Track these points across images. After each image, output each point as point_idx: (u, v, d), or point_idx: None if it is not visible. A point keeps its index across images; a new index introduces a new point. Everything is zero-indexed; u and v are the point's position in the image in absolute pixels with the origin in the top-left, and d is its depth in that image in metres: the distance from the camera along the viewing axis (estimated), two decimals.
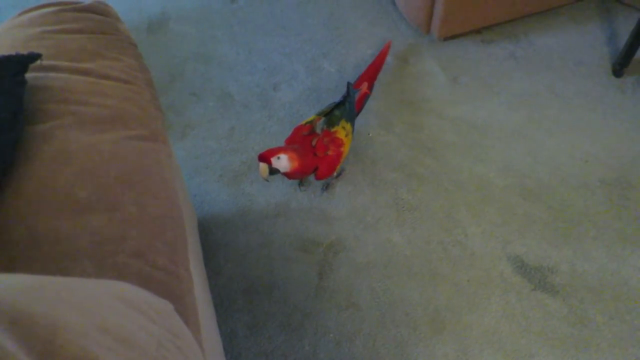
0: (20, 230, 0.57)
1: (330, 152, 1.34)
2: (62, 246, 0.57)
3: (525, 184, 1.43)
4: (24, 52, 0.71)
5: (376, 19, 1.91)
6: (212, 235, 1.37)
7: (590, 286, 1.24)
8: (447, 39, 1.80)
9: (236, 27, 1.92)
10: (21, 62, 0.67)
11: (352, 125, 1.42)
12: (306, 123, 1.40)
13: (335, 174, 1.43)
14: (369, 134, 1.56)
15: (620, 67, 1.65)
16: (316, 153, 1.33)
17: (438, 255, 1.31)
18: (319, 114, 1.42)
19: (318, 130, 1.39)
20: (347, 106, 1.42)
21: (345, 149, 1.38)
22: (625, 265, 1.27)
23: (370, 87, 1.55)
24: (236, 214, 1.41)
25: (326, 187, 1.44)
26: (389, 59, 1.76)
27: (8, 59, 0.66)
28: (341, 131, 1.37)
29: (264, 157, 1.25)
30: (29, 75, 0.70)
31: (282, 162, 1.26)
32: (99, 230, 0.57)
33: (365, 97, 1.54)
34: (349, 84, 1.46)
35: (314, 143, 1.34)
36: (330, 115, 1.41)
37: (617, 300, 1.21)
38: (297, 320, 1.21)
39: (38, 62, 0.70)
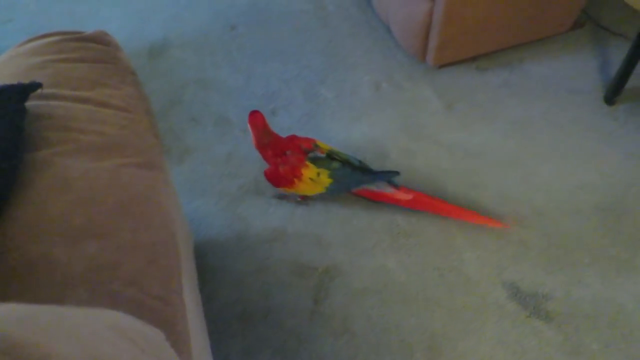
0: (15, 257, 0.58)
1: (282, 168, 1.35)
2: (57, 273, 0.58)
3: (519, 210, 1.44)
4: (25, 81, 0.73)
5: (373, 47, 1.95)
6: (208, 260, 1.37)
7: (585, 313, 1.24)
8: (442, 66, 1.84)
9: (235, 53, 1.95)
10: (22, 91, 0.68)
11: (335, 184, 1.37)
12: (315, 144, 1.39)
13: (293, 195, 1.45)
14: (364, 159, 1.57)
15: (612, 96, 1.68)
16: (278, 158, 1.36)
17: (434, 281, 1.31)
18: (331, 152, 1.39)
19: (313, 153, 1.38)
20: (351, 171, 1.37)
21: (302, 187, 1.37)
22: (620, 291, 1.27)
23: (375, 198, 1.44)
24: (232, 238, 1.42)
25: (279, 196, 1.48)
26: (385, 84, 1.79)
27: (9, 88, 0.67)
28: (311, 171, 1.35)
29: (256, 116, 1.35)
30: (30, 104, 0.72)
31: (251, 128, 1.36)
32: (94, 257, 0.58)
33: (388, 198, 1.43)
34: (391, 174, 1.41)
35: (288, 152, 1.36)
36: (328, 157, 1.37)
37: (613, 327, 1.21)
38: (292, 346, 1.21)
39: (39, 90, 0.72)
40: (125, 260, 0.59)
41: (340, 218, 1.44)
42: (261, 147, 1.38)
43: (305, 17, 2.10)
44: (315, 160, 1.36)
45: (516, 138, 1.62)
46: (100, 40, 0.88)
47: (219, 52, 1.97)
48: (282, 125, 1.68)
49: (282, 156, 1.37)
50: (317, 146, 1.39)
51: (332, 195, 1.45)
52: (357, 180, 1.39)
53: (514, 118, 1.68)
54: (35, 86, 0.70)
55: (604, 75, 1.80)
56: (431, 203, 1.42)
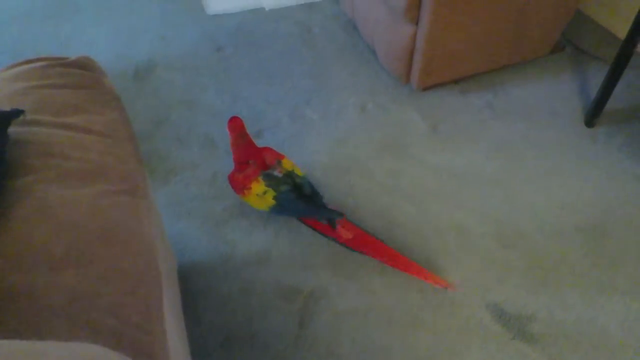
0: None
1: (237, 175, 1.40)
2: (36, 303, 0.57)
3: (503, 231, 1.46)
4: (7, 108, 0.73)
5: (358, 69, 1.97)
6: (192, 283, 1.36)
7: (568, 334, 1.25)
8: (426, 88, 1.86)
9: (222, 75, 1.96)
10: (4, 119, 0.68)
11: (277, 207, 1.37)
12: (279, 162, 1.41)
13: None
14: (349, 182, 1.58)
15: (591, 118, 1.72)
16: (242, 164, 1.41)
17: (418, 303, 1.31)
18: (290, 173, 1.39)
19: (271, 170, 1.39)
20: (295, 198, 1.36)
21: (250, 200, 1.40)
22: (603, 312, 1.28)
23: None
24: (217, 261, 1.41)
25: None
26: (370, 106, 1.81)
27: None
28: (259, 188, 1.37)
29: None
30: (11, 130, 0.71)
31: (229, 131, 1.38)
32: (74, 287, 0.57)
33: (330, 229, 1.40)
34: (334, 214, 1.39)
35: (250, 162, 1.40)
36: (284, 178, 1.38)
37: (596, 349, 1.22)
38: None
39: (21, 117, 0.72)
40: (106, 289, 0.58)
41: (325, 240, 1.44)
42: (234, 150, 1.41)
43: (292, 40, 2.12)
44: (268, 178, 1.37)
45: (499, 159, 1.64)
46: (84, 65, 0.89)
47: (205, 73, 1.98)
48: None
49: (245, 164, 1.40)
50: (279, 164, 1.40)
51: (276, 215, 1.46)
52: (299, 210, 1.39)
53: (497, 139, 1.71)
54: (17, 113, 0.70)
55: (583, 97, 1.84)
56: (371, 246, 1.38)
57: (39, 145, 0.72)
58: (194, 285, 1.35)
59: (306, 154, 1.66)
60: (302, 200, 1.37)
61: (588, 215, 1.49)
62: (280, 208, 1.38)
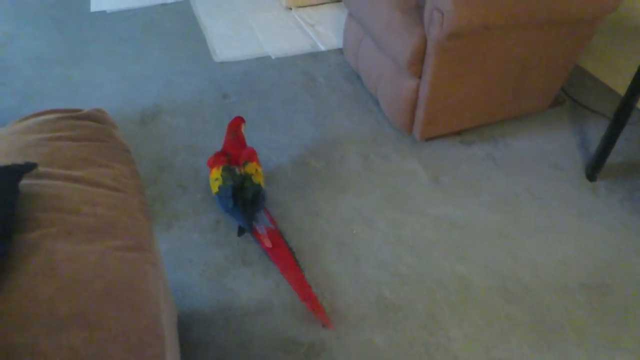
0: None
1: (210, 157, 1.60)
2: None
3: (506, 285, 1.45)
4: (21, 161, 0.74)
5: (361, 118, 2.01)
6: (192, 333, 1.34)
7: None
8: (428, 139, 1.89)
9: (227, 121, 1.99)
10: (17, 172, 0.69)
11: (217, 196, 1.54)
12: (246, 163, 1.58)
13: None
14: (353, 231, 1.58)
15: (593, 172, 1.73)
16: (222, 153, 1.61)
17: (421, 359, 1.29)
18: (246, 176, 1.55)
19: (235, 167, 1.57)
20: (230, 195, 1.50)
21: (210, 179, 1.58)
22: None
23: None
24: (217, 310, 1.39)
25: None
26: (372, 156, 1.83)
27: (4, 169, 0.68)
28: (215, 174, 1.55)
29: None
30: (22, 182, 0.72)
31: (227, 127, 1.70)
32: (78, 349, 0.56)
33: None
34: (242, 227, 1.53)
35: (228, 154, 1.61)
36: (239, 178, 1.54)
37: None
38: None
39: (33, 171, 0.73)
40: (110, 351, 0.58)
41: (327, 290, 1.43)
42: (224, 140, 1.68)
43: (296, 88, 2.17)
44: (227, 170, 1.54)
45: (501, 212, 1.65)
46: (96, 118, 0.90)
47: (210, 119, 2.01)
48: (269, 195, 1.69)
49: (224, 153, 1.61)
50: (244, 165, 1.57)
51: (217, 203, 1.62)
52: (227, 206, 1.51)
53: (498, 192, 1.72)
54: (29, 167, 0.71)
55: (584, 151, 1.87)
56: (282, 262, 1.46)
57: (48, 199, 0.72)
58: (193, 335, 1.33)
59: (310, 202, 1.67)
60: (234, 200, 1.50)
61: (591, 271, 1.48)
62: (218, 198, 1.54)
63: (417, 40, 1.59)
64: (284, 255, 1.48)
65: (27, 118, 0.87)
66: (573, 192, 1.72)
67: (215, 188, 1.54)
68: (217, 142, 1.89)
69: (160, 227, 1.60)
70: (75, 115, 0.88)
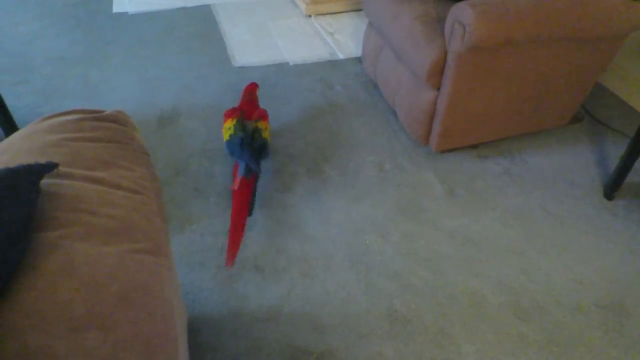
0: (13, 345, 0.56)
1: (227, 110, 1.82)
2: None
3: (519, 302, 1.43)
4: (42, 158, 0.75)
5: (377, 128, 2.00)
6: (201, 337, 1.33)
7: None
8: (444, 151, 1.88)
9: None
10: (37, 172, 0.70)
11: (227, 143, 1.74)
12: (257, 120, 1.78)
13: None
14: (365, 241, 1.57)
15: (611, 191, 1.71)
16: (238, 109, 1.82)
17: None
18: (256, 129, 1.74)
19: (247, 122, 1.76)
20: (238, 143, 1.68)
21: (223, 127, 1.80)
22: None
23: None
24: (227, 315, 1.39)
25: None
26: (388, 166, 1.82)
27: (25, 168, 0.68)
28: (229, 124, 1.76)
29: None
30: (44, 182, 0.73)
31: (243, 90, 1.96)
32: (93, 351, 0.57)
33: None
34: (249, 167, 1.66)
35: (243, 111, 1.80)
36: (249, 129, 1.73)
37: None
38: None
39: (54, 170, 0.74)
40: (124, 354, 0.58)
41: (338, 300, 1.42)
42: (241, 99, 1.91)
43: (313, 95, 2.17)
44: (239, 123, 1.73)
45: (516, 228, 1.63)
46: (117, 119, 0.91)
47: None
48: (285, 201, 1.69)
49: (240, 110, 1.80)
50: (256, 122, 1.76)
51: (226, 149, 1.82)
52: (235, 151, 1.69)
53: (514, 207, 1.70)
54: (51, 167, 0.72)
55: (602, 169, 1.84)
56: (237, 204, 1.59)
57: (69, 199, 0.73)
58: (202, 340, 1.33)
59: (323, 209, 1.66)
60: (241, 147, 1.67)
61: (607, 292, 1.46)
62: (228, 145, 1.74)
63: (438, 53, 1.58)
64: (242, 200, 1.61)
65: (49, 117, 0.88)
66: (590, 210, 1.69)
67: (226, 136, 1.75)
68: None
69: (174, 229, 1.61)
70: (97, 117, 0.89)
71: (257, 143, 1.71)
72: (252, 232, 1.60)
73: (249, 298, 1.43)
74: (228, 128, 1.75)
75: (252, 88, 1.93)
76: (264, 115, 1.80)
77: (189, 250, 1.55)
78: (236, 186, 1.62)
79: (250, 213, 1.62)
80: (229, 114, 1.79)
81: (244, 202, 1.60)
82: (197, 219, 1.64)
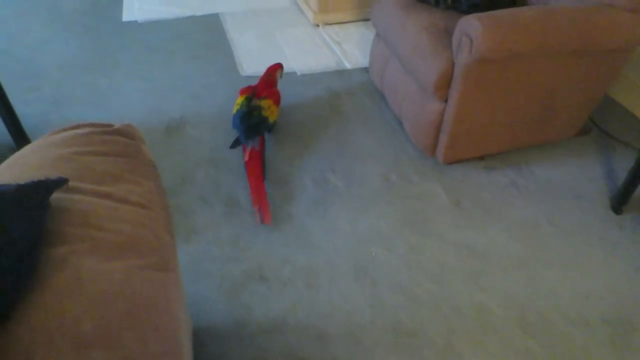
0: None
1: (243, 87, 2.00)
2: None
3: (525, 316, 1.42)
4: (51, 173, 0.76)
5: (384, 138, 2.00)
6: (206, 348, 1.34)
7: None
8: (451, 163, 1.88)
9: None
10: (48, 188, 0.70)
11: (234, 117, 1.90)
12: (264, 97, 1.93)
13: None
14: (371, 253, 1.57)
15: (619, 204, 1.70)
16: (254, 87, 2.01)
17: None
18: (258, 106, 1.88)
19: (255, 99, 1.92)
20: (240, 118, 1.85)
21: (236, 103, 1.95)
22: None
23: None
24: (232, 325, 1.39)
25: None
26: (394, 177, 1.82)
27: (35, 185, 0.69)
28: (239, 100, 1.93)
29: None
30: (53, 196, 0.73)
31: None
32: None
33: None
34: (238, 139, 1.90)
35: (256, 89, 1.98)
36: (254, 106, 1.88)
37: None
38: None
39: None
40: None
41: (343, 311, 1.42)
42: (260, 79, 2.05)
43: (320, 104, 2.18)
44: (247, 100, 1.90)
45: (522, 241, 1.63)
46: (126, 133, 0.92)
47: (234, 133, 2.02)
48: (290, 211, 1.70)
49: (252, 88, 1.97)
50: (262, 99, 1.91)
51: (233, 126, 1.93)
52: (236, 124, 1.87)
53: (520, 220, 1.69)
54: (61, 182, 0.72)
55: (609, 182, 1.83)
56: (251, 171, 1.76)
57: (77, 214, 0.73)
58: (207, 351, 1.33)
59: (328, 220, 1.67)
60: (242, 121, 1.84)
61: (614, 307, 1.45)
62: (233, 118, 1.90)
63: (445, 64, 1.58)
64: (255, 168, 1.77)
65: (60, 131, 0.89)
66: (597, 224, 1.68)
67: (234, 111, 1.91)
68: (239, 157, 1.91)
69: (179, 239, 1.61)
70: (106, 130, 0.90)
71: (253, 120, 1.85)
72: (257, 242, 1.60)
73: (254, 308, 1.43)
74: (237, 104, 1.92)
75: (275, 68, 2.09)
76: (270, 95, 1.94)
77: (194, 260, 1.55)
78: (246, 157, 1.78)
79: (264, 176, 1.78)
80: (243, 91, 1.96)
81: (259, 167, 1.77)
82: (203, 229, 1.64)
